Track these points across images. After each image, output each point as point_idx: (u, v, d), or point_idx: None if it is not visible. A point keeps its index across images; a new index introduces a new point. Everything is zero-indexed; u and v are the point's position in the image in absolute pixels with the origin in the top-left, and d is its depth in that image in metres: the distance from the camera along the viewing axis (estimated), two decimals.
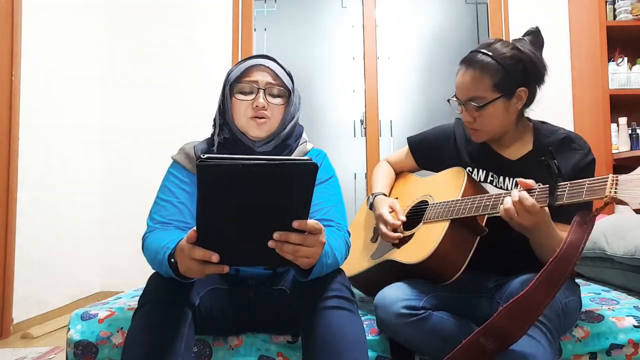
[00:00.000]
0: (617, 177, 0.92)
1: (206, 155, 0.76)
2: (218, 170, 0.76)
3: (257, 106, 1.15)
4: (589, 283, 1.77)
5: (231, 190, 0.78)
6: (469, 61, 1.20)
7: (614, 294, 1.51)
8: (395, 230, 1.28)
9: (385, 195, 1.43)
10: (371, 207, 1.42)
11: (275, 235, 0.83)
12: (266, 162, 0.77)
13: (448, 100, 1.27)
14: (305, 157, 0.80)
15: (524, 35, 1.24)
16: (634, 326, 1.22)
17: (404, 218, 1.29)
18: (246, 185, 0.78)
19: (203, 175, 0.76)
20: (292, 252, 0.85)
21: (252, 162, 0.76)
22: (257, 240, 0.84)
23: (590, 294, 1.49)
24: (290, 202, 0.81)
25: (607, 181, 0.92)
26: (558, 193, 0.99)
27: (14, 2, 2.35)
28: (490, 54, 1.17)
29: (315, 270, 0.97)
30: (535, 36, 1.23)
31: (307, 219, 0.85)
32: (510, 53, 1.17)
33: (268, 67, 1.17)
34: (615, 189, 0.90)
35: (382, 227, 1.30)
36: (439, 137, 1.42)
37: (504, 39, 1.25)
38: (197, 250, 0.85)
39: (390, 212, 1.31)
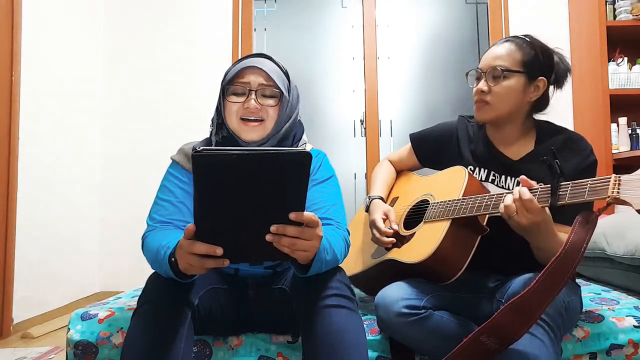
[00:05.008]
0: (619, 177, 0.91)
1: (202, 148, 0.76)
2: (213, 161, 0.76)
3: (248, 108, 1.15)
4: (589, 283, 1.77)
5: (226, 181, 0.78)
6: (507, 39, 1.28)
7: (614, 294, 1.51)
8: (387, 236, 1.29)
9: (382, 199, 1.43)
10: (367, 209, 1.43)
11: (272, 228, 0.83)
12: (260, 153, 0.77)
13: (466, 74, 1.32)
14: (300, 148, 0.80)
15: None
16: (634, 326, 1.22)
17: (396, 227, 1.30)
18: (241, 176, 0.78)
19: (198, 166, 0.76)
20: (289, 246, 0.85)
21: (246, 152, 0.76)
22: (254, 233, 0.84)
23: (590, 294, 1.49)
24: (286, 193, 0.81)
25: (609, 181, 0.92)
26: (560, 193, 0.99)
27: (14, 2, 2.35)
28: (527, 38, 1.25)
29: (314, 266, 0.97)
30: (563, 56, 1.29)
31: (303, 211, 0.84)
32: (545, 46, 1.26)
33: (261, 69, 1.17)
34: (618, 189, 0.90)
35: (375, 233, 1.32)
36: (442, 134, 1.42)
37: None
38: (199, 245, 0.84)
39: (384, 220, 1.32)
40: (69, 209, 2.82)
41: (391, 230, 1.28)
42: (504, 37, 1.33)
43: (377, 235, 1.30)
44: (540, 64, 1.23)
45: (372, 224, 1.34)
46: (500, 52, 1.24)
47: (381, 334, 1.21)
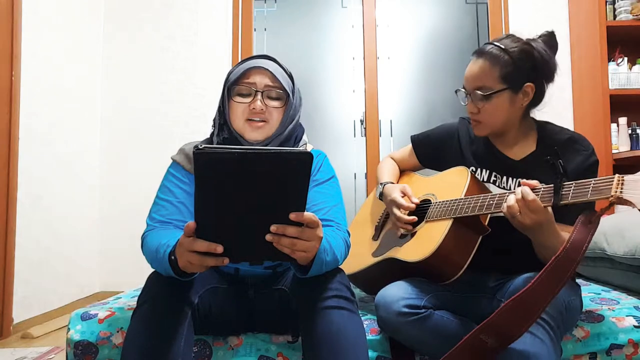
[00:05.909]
0: (623, 177, 0.91)
1: (203, 146, 0.76)
2: (214, 158, 0.76)
3: (254, 109, 1.15)
4: (589, 283, 1.77)
5: (227, 179, 0.78)
6: (479, 52, 1.23)
7: (614, 294, 1.51)
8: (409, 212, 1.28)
9: (393, 183, 1.43)
10: (381, 196, 1.42)
11: (273, 228, 0.83)
12: (262, 152, 0.77)
13: (456, 92, 1.29)
14: (301, 149, 0.80)
15: (538, 37, 1.25)
16: (634, 326, 1.22)
17: (417, 200, 1.30)
18: (242, 174, 0.78)
19: (200, 164, 0.77)
20: (289, 246, 0.85)
21: (247, 150, 0.77)
22: (254, 232, 0.84)
23: (590, 294, 1.49)
24: (286, 193, 0.82)
25: (612, 181, 0.92)
26: (563, 192, 0.99)
27: (14, 2, 2.35)
28: (501, 46, 1.19)
29: (314, 267, 0.97)
30: (549, 38, 1.24)
31: (303, 211, 0.84)
32: (521, 47, 1.19)
33: (267, 70, 1.17)
34: (621, 189, 0.90)
35: (396, 211, 1.30)
36: (443, 136, 1.42)
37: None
38: (199, 242, 0.84)
39: (403, 197, 1.32)
40: (68, 209, 2.82)
41: (413, 205, 1.28)
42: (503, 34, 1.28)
43: (398, 213, 1.29)
44: (522, 71, 1.18)
45: (392, 203, 1.32)
46: (476, 73, 1.21)
47: (381, 334, 1.21)
